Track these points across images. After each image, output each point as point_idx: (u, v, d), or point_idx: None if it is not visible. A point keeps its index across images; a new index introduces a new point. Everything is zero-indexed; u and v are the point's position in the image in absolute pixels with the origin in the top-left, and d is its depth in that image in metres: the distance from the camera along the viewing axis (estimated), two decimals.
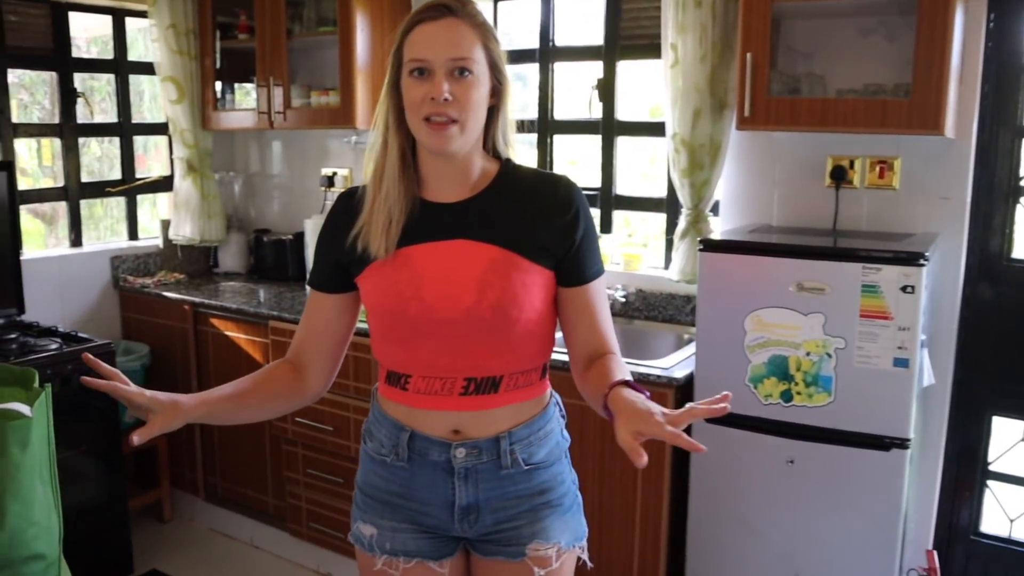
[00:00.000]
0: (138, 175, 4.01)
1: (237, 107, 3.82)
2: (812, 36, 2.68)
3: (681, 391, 2.51)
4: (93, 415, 3.13)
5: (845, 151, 2.69)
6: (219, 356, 3.54)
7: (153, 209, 4.20)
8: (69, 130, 3.71)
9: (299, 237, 3.87)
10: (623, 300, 3.12)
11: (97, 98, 3.94)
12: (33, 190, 3.66)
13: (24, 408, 1.38)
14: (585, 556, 1.66)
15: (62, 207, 3.78)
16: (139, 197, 4.04)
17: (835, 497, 2.31)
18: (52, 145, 3.72)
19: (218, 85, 3.88)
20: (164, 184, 4.04)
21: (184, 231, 3.88)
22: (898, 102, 2.33)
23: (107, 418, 3.16)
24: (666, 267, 3.11)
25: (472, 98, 1.43)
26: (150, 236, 4.06)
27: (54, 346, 3.07)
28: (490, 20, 1.51)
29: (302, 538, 3.39)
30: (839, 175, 2.68)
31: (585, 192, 1.58)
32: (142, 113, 4.11)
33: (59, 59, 3.64)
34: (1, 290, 3.35)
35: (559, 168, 3.46)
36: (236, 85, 3.96)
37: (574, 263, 1.52)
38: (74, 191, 3.76)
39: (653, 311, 3.13)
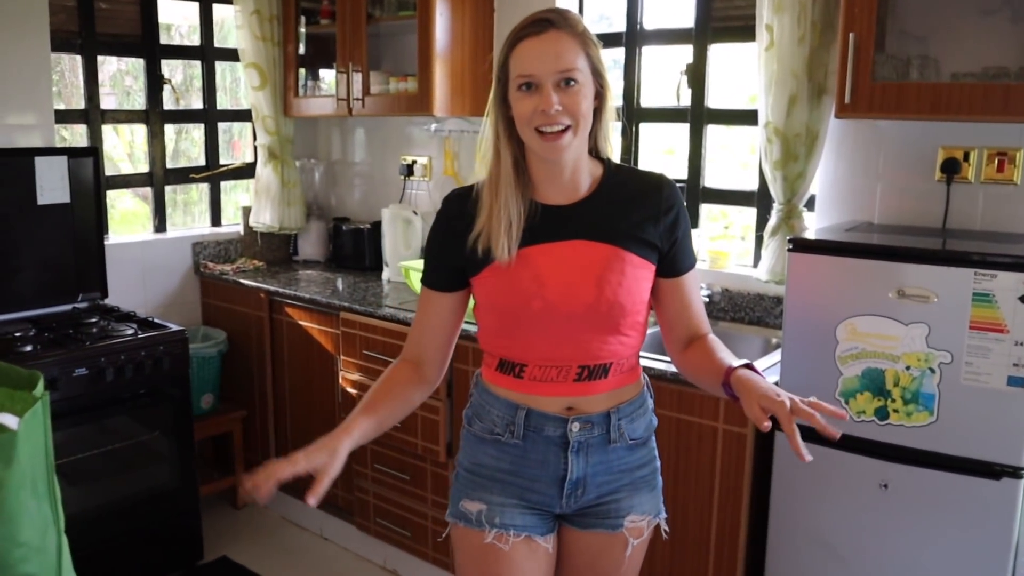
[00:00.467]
0: (234, 162, 4.03)
1: (318, 94, 3.77)
2: (925, 15, 2.42)
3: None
4: (165, 402, 3.13)
5: (959, 142, 2.42)
6: (292, 345, 3.51)
7: (245, 195, 4.21)
8: (155, 116, 3.73)
9: (376, 226, 3.80)
10: (707, 299, 2.92)
11: (197, 85, 3.95)
12: (119, 176, 3.69)
13: (10, 420, 1.28)
14: (665, 526, 1.79)
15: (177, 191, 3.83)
16: (228, 184, 4.05)
17: (934, 528, 2.08)
18: (140, 131, 3.76)
19: (301, 72, 3.84)
20: (248, 171, 4.03)
21: (264, 218, 3.87)
22: (1023, 87, 2.07)
23: (179, 405, 3.16)
24: (755, 265, 2.90)
25: (581, 106, 1.51)
26: (233, 223, 4.06)
27: (129, 332, 3.07)
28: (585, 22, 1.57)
29: (369, 532, 3.33)
30: (951, 168, 2.42)
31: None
32: (239, 100, 4.10)
33: (147, 46, 3.66)
34: (86, 274, 3.39)
35: (652, 158, 3.27)
36: (310, 72, 3.91)
37: (675, 256, 1.65)
38: (159, 177, 3.78)
39: (740, 312, 2.92)
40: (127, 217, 3.96)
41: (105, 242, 3.48)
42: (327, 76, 3.91)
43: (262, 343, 3.62)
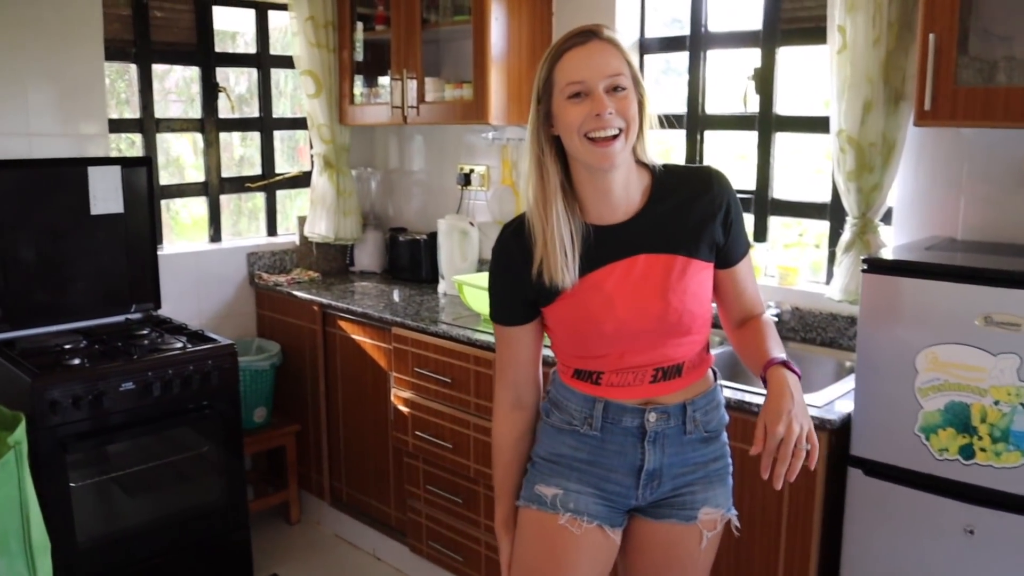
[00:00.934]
0: (296, 169, 4.00)
1: (374, 101, 3.69)
2: (1010, 13, 2.20)
3: (836, 436, 2.12)
4: (215, 417, 3.08)
5: None
6: (346, 359, 3.43)
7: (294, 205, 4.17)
8: (210, 125, 3.71)
9: (433, 237, 3.71)
10: (775, 319, 2.74)
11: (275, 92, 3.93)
12: (174, 185, 3.68)
13: None
14: (736, 522, 1.78)
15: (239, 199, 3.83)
16: (293, 192, 4.02)
17: None
18: (201, 140, 3.74)
19: (358, 79, 3.78)
20: (305, 180, 3.98)
21: (319, 228, 3.81)
22: None
23: (229, 420, 3.11)
24: (827, 282, 2.71)
25: (631, 110, 1.53)
26: (291, 233, 4.02)
27: (178, 345, 3.04)
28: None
29: (422, 555, 3.23)
30: None
31: (738, 195, 1.69)
32: (302, 107, 4.05)
33: (202, 54, 3.64)
34: (139, 285, 3.38)
35: (720, 165, 3.10)
36: (368, 79, 3.83)
37: (730, 247, 1.67)
38: (214, 186, 3.76)
39: (811, 332, 2.73)
40: (199, 223, 3.92)
41: (159, 252, 3.46)
42: (384, 83, 3.84)
43: (315, 356, 3.56)
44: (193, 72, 3.69)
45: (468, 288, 3.05)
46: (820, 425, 2.10)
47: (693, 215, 1.62)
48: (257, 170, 3.92)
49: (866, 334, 2.05)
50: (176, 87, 3.79)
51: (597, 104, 1.50)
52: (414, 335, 3.07)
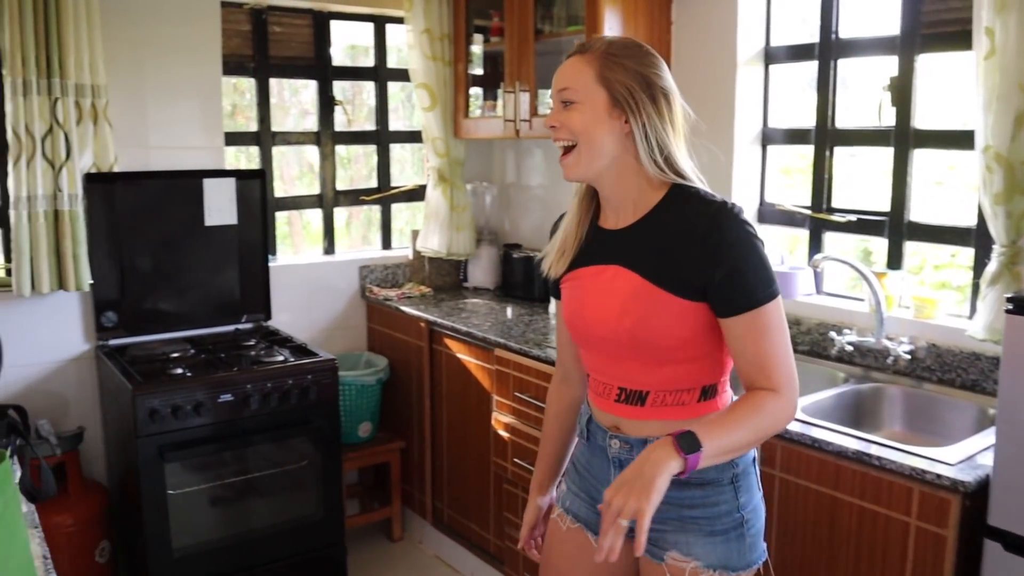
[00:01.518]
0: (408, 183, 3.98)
1: (488, 115, 3.60)
2: None
3: (971, 501, 1.84)
4: (313, 432, 3.05)
5: None
6: (451, 378, 3.35)
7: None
8: (326, 138, 3.72)
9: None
10: (908, 356, 2.45)
11: (391, 105, 3.93)
12: (288, 197, 3.70)
13: None
14: None
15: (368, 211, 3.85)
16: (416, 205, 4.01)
17: None
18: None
19: (474, 92, 3.70)
20: (420, 194, 3.94)
21: (431, 243, 3.75)
22: None
23: (327, 436, 3.07)
24: (970, 317, 2.40)
25: (574, 123, 1.54)
26: (404, 247, 3.98)
27: (279, 358, 3.03)
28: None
29: None
30: None
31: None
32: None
33: (319, 68, 3.66)
34: (250, 296, 3.41)
35: (859, 186, 2.83)
36: (487, 91, 3.75)
37: (720, 295, 1.50)
38: (328, 199, 3.76)
39: (949, 373, 2.43)
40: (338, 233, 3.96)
41: (271, 263, 3.48)
42: (495, 96, 3.74)
43: (421, 373, 3.49)
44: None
45: None
46: (950, 487, 1.83)
47: (676, 245, 1.52)
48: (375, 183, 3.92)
49: (1009, 383, 1.77)
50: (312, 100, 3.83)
51: (548, 118, 1.59)
52: (516, 358, 2.95)
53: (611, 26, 2.95)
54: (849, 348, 2.60)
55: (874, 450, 1.97)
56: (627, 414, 1.62)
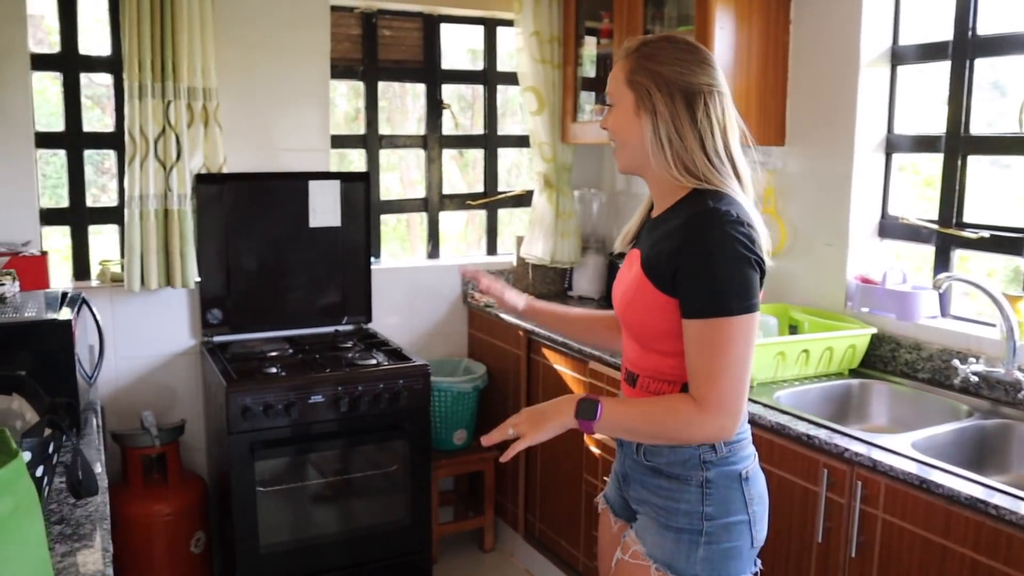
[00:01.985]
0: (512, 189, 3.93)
1: (595, 118, 3.50)
2: None
3: None
4: (405, 436, 3.03)
5: None
6: (547, 388, 3.26)
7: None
8: (433, 141, 3.70)
9: None
10: (975, 379, 2.19)
11: (509, 109, 3.90)
12: (394, 200, 3.71)
13: None
14: None
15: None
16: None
17: None
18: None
19: (586, 96, 3.60)
20: (529, 199, 3.87)
21: (535, 250, 3.67)
22: None
23: (418, 442, 3.04)
24: None
25: (612, 125, 1.66)
26: (508, 253, 3.92)
27: (373, 362, 3.02)
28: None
29: None
30: None
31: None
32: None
33: (428, 71, 3.64)
34: (352, 298, 3.43)
35: (996, 199, 2.58)
36: (599, 95, 3.64)
37: (682, 294, 1.54)
38: (434, 203, 3.75)
39: None
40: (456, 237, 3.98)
41: (374, 266, 3.49)
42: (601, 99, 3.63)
43: (518, 382, 3.42)
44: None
45: None
46: None
47: (667, 241, 1.57)
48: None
49: None
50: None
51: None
52: (610, 372, 2.83)
53: (722, 25, 2.80)
54: (975, 378, 2.35)
55: (995, 498, 1.75)
56: (626, 392, 1.74)
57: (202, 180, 3.09)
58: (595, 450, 2.89)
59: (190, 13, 2.93)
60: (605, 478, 2.81)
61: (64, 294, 2.44)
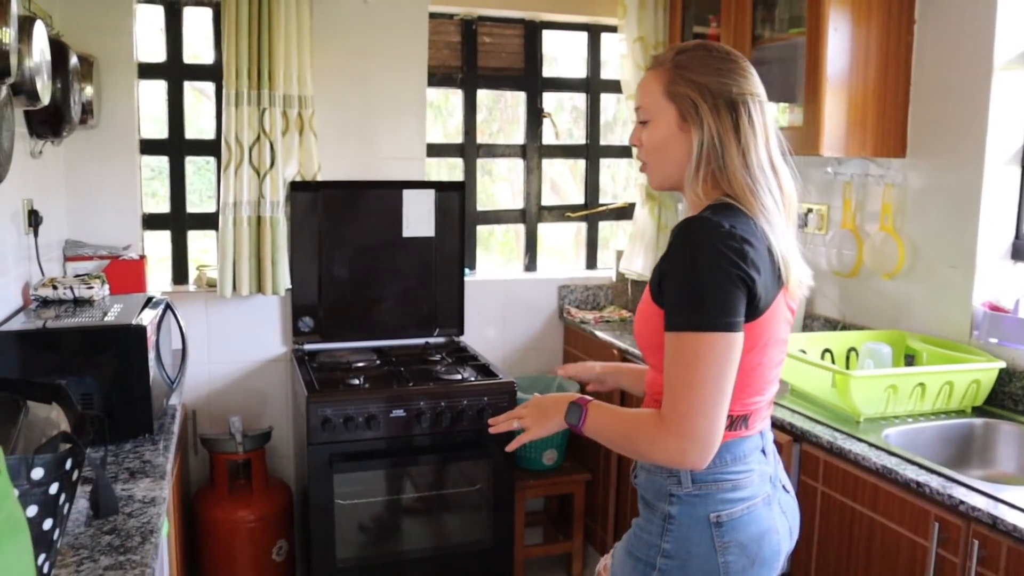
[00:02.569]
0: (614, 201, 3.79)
1: None
2: None
3: None
4: (489, 455, 2.92)
5: None
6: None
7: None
8: (532, 151, 3.60)
9: None
10: None
11: (622, 118, 3.78)
12: (490, 211, 3.62)
13: None
14: None
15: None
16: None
17: None
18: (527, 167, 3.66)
19: None
20: (632, 212, 3.72)
21: (635, 265, 3.51)
22: None
23: (502, 461, 2.93)
24: None
25: (646, 141, 1.56)
26: (608, 267, 3.78)
27: (458, 377, 2.94)
28: None
29: None
30: None
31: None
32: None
33: (529, 79, 3.55)
34: (444, 309, 3.36)
35: None
36: None
37: (663, 305, 1.46)
38: (532, 215, 3.64)
39: None
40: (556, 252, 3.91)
41: (468, 278, 3.42)
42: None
43: (612, 402, 3.25)
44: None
45: None
46: None
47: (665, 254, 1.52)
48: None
49: None
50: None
51: (631, 134, 1.62)
52: None
53: (836, 27, 2.58)
54: None
55: None
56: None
57: (296, 187, 3.09)
58: None
59: (287, 22, 2.94)
60: None
61: (149, 298, 2.47)
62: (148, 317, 2.23)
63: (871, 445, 2.10)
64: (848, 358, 2.67)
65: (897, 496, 1.95)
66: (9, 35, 1.82)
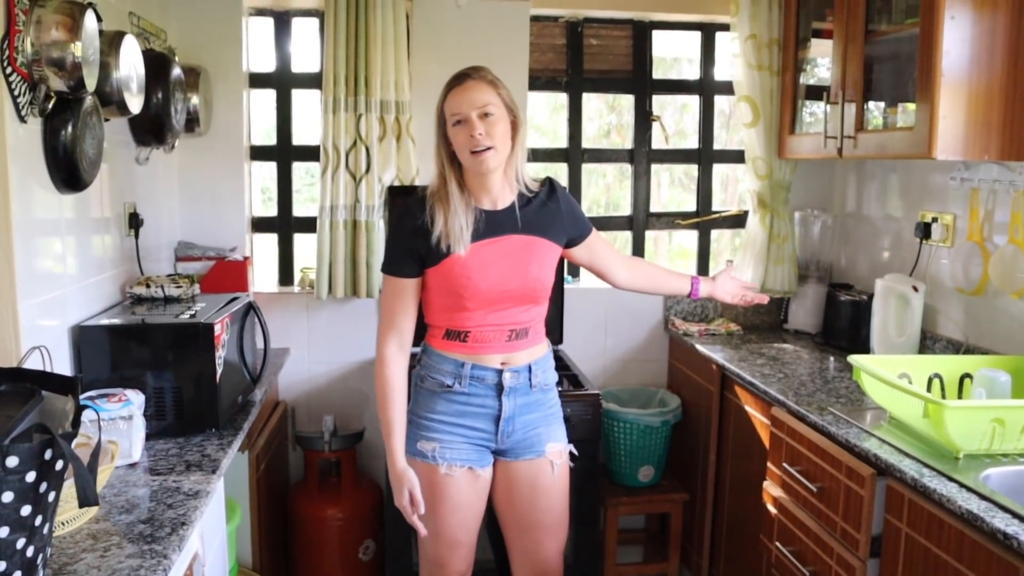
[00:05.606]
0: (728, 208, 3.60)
1: (808, 131, 3.08)
2: None
3: None
4: (577, 468, 2.78)
5: None
6: (738, 431, 2.92)
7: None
8: (640, 156, 3.48)
9: (871, 299, 2.97)
10: None
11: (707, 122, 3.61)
12: (597, 217, 3.52)
13: None
14: (574, 451, 2.32)
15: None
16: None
17: None
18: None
19: (813, 106, 3.19)
20: (744, 220, 3.52)
21: (745, 276, 3.32)
22: None
23: (587, 474, 2.84)
24: None
25: (497, 128, 2.02)
26: None
27: None
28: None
29: None
30: None
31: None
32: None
33: (638, 81, 3.43)
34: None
35: None
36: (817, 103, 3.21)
37: (578, 228, 2.25)
38: (639, 221, 3.52)
39: None
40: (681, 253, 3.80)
41: (568, 286, 3.34)
42: (811, 110, 3.19)
43: (710, 421, 3.10)
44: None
45: (868, 377, 2.30)
46: None
47: (547, 209, 2.15)
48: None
49: None
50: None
51: (472, 129, 1.99)
52: (791, 420, 2.46)
53: (954, 14, 2.32)
54: None
55: None
56: (515, 348, 2.13)
57: (394, 192, 3.12)
58: (771, 508, 2.52)
59: (384, 28, 2.97)
60: (779, 543, 2.46)
61: (233, 298, 2.56)
62: (220, 316, 2.31)
63: (962, 486, 1.87)
64: (961, 385, 2.39)
65: (983, 547, 1.72)
66: (81, 49, 1.94)
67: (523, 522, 2.24)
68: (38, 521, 1.30)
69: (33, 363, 1.84)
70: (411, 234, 2.07)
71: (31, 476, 1.26)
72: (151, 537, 1.68)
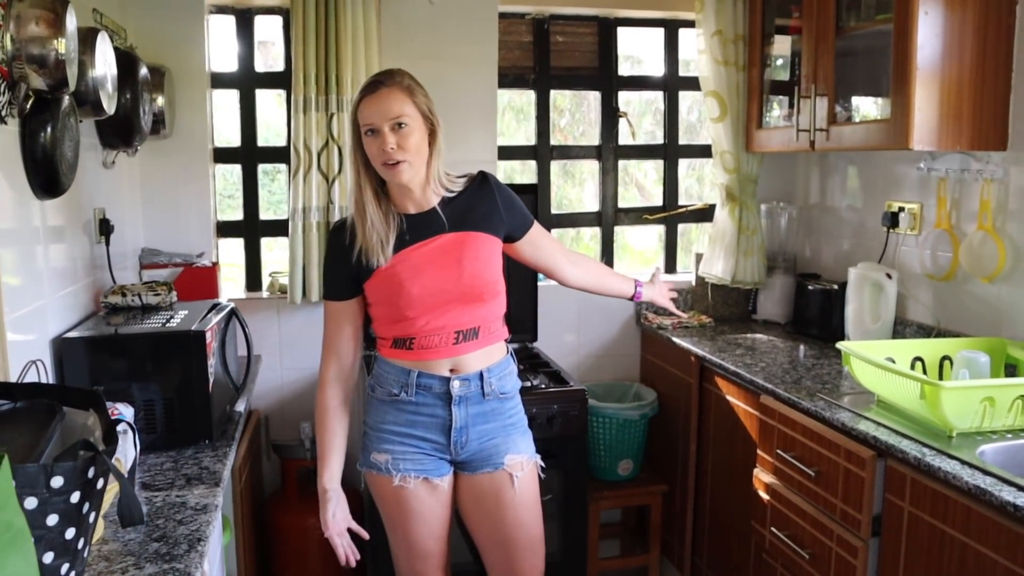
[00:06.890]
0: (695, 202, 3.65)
1: (782, 125, 3.15)
2: None
3: None
4: (559, 465, 2.83)
5: None
6: (719, 421, 2.96)
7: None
8: (607, 152, 3.50)
9: (842, 288, 3.04)
10: None
11: (694, 118, 3.65)
12: (564, 215, 3.54)
13: None
14: (542, 463, 2.21)
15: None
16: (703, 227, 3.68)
17: None
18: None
19: (778, 100, 3.26)
20: (711, 214, 3.57)
21: (714, 268, 3.37)
22: None
23: (574, 470, 2.84)
24: None
25: (411, 141, 1.94)
26: (688, 271, 3.64)
27: (528, 385, 2.85)
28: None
29: None
30: None
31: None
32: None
33: (603, 78, 3.45)
34: (517, 316, 3.27)
35: None
36: (792, 99, 3.28)
37: (516, 222, 2.15)
38: (608, 217, 3.54)
39: None
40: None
41: (541, 283, 3.34)
42: (781, 103, 3.27)
43: (689, 413, 3.13)
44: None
45: (857, 361, 2.37)
46: None
47: (478, 204, 2.07)
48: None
49: None
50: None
51: (383, 142, 1.92)
52: (782, 408, 2.50)
53: (927, 9, 2.40)
54: None
55: None
56: (465, 350, 2.04)
57: None
58: (763, 495, 2.57)
59: (354, 26, 2.92)
60: (773, 528, 2.50)
61: (215, 304, 2.48)
62: (208, 323, 2.23)
63: (963, 463, 1.92)
64: (941, 367, 2.47)
65: (992, 520, 1.77)
66: (64, 46, 1.84)
67: (494, 537, 2.17)
68: (80, 544, 1.23)
69: (28, 379, 1.74)
70: (339, 256, 2.03)
71: (75, 496, 1.18)
72: (169, 555, 1.60)
